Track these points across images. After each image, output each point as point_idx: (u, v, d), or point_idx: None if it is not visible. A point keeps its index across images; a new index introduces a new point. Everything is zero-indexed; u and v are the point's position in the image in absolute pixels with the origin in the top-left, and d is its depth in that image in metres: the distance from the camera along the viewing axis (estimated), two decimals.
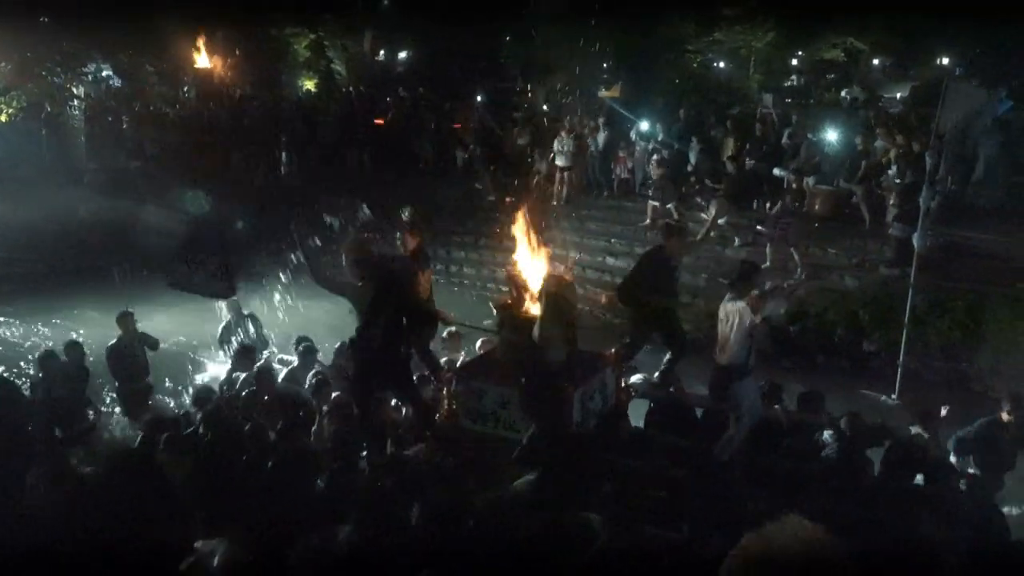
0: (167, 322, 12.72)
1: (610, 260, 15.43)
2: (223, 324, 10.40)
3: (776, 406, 7.29)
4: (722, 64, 28.17)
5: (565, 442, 6.00)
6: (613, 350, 7.81)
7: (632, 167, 17.17)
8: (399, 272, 6.75)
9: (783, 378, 8.18)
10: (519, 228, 7.33)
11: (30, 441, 6.52)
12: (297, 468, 5.85)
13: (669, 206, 15.29)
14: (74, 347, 9.08)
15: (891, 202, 12.77)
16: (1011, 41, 18.42)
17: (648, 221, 15.81)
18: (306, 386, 8.24)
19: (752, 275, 6.75)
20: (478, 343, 8.83)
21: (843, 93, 23.67)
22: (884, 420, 7.71)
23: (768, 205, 14.86)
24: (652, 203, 15.59)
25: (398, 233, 8.47)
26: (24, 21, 17.78)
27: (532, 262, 7.21)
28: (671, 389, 7.81)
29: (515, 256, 7.34)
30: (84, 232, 15.77)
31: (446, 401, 7.19)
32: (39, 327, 13.14)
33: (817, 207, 14.58)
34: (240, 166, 18.64)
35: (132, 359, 9.33)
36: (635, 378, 7.86)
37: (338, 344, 9.23)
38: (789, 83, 26.77)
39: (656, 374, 7.91)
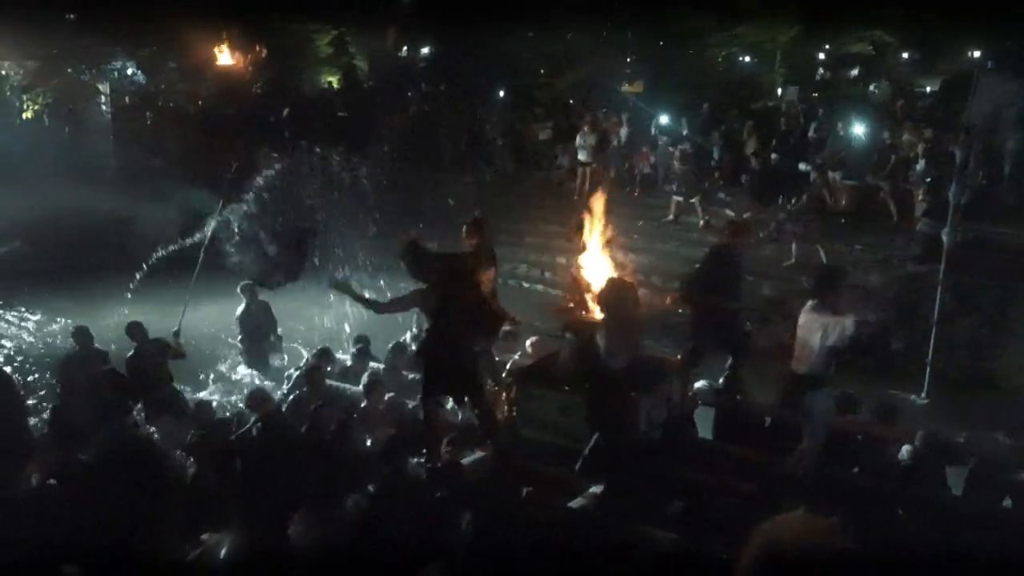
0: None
1: (632, 256, 15.24)
2: (241, 309, 10.38)
3: (850, 417, 6.89)
4: (746, 59, 27.89)
5: (631, 454, 5.82)
6: (678, 356, 7.50)
7: (654, 162, 16.99)
8: (460, 271, 6.47)
9: None
10: (582, 228, 7.03)
11: (27, 437, 6.49)
12: (348, 472, 5.72)
13: (692, 201, 15.14)
14: (81, 333, 8.90)
15: (919, 197, 12.50)
16: None
17: (671, 216, 15.68)
18: (360, 387, 8.07)
19: (836, 281, 6.31)
20: (528, 342, 8.59)
21: (871, 87, 23.31)
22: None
23: (793, 200, 14.66)
24: (675, 198, 15.45)
25: (464, 229, 7.98)
26: (49, 19, 17.97)
27: (596, 264, 6.92)
28: (737, 396, 7.46)
29: (579, 257, 7.05)
30: (105, 228, 15.89)
31: (504, 407, 6.94)
32: (57, 321, 13.24)
33: (843, 202, 14.33)
34: (261, 163, 18.66)
35: (152, 367, 9.05)
36: (698, 385, 7.52)
37: (392, 344, 9.12)
38: (815, 77, 26.44)
39: (720, 380, 7.57)
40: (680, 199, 15.29)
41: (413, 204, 17.93)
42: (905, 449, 6.41)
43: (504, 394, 7.03)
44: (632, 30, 25.78)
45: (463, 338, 6.30)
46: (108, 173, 17.89)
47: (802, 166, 14.96)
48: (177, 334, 9.55)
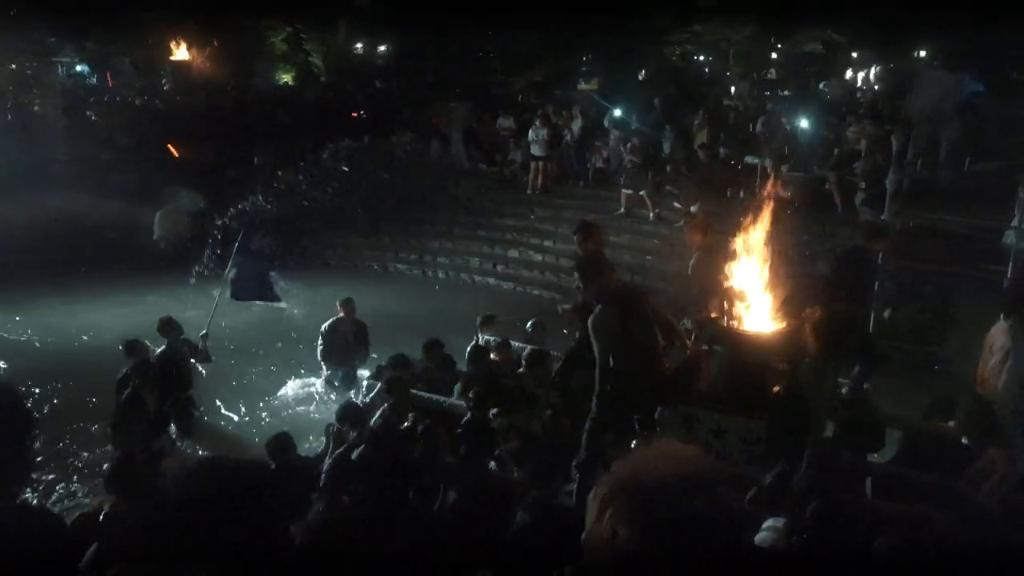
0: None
1: None
2: (327, 325, 9.92)
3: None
4: (702, 57, 28.23)
5: (820, 483, 5.28)
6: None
7: (607, 156, 17.10)
8: (633, 288, 5.99)
9: None
10: (741, 231, 6.47)
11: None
12: (488, 501, 5.14)
13: (641, 193, 15.26)
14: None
15: (861, 187, 12.75)
16: (986, 29, 18.45)
17: (622, 210, 15.76)
18: (455, 397, 7.69)
19: None
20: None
21: (821, 85, 23.73)
22: None
23: (741, 193, 14.85)
24: (625, 191, 15.55)
25: (576, 236, 7.39)
26: None
27: (754, 270, 6.30)
28: (864, 409, 6.87)
29: (730, 263, 6.43)
30: (49, 225, 15.57)
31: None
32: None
33: (789, 194, 14.54)
34: (213, 158, 18.49)
35: (177, 369, 8.81)
36: None
37: (470, 347, 8.76)
38: (768, 75, 26.83)
39: (844, 390, 7.13)
40: (629, 192, 15.42)
41: (371, 201, 17.92)
42: None
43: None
44: (591, 27, 25.89)
45: (650, 365, 5.76)
46: (54, 167, 17.54)
47: (749, 159, 15.20)
48: (205, 336, 9.33)
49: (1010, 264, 9.82)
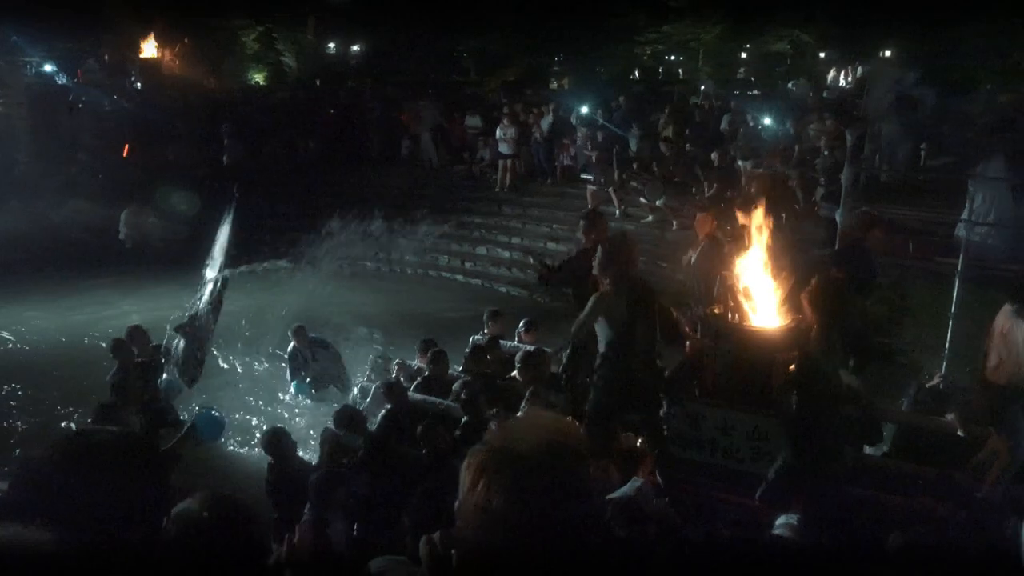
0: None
1: (552, 245, 15.47)
2: (290, 350, 9.78)
3: None
4: (673, 57, 28.53)
5: (826, 479, 5.18)
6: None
7: (575, 154, 17.23)
8: (645, 281, 5.78)
9: None
10: (739, 229, 6.45)
11: None
12: None
13: (608, 189, 15.41)
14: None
15: (821, 182, 12.97)
16: (948, 27, 18.80)
17: (590, 206, 15.88)
18: (452, 398, 7.50)
19: None
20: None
21: (789, 85, 24.02)
22: None
23: (705, 188, 15.02)
24: (590, 188, 15.68)
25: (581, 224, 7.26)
26: None
27: (756, 266, 6.18)
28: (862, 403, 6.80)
29: (733, 259, 6.35)
30: (13, 225, 15.46)
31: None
32: None
33: (753, 190, 14.71)
34: (180, 158, 18.45)
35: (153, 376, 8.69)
36: None
37: (470, 346, 8.69)
38: (737, 75, 27.14)
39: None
40: (595, 188, 15.56)
41: (340, 200, 17.91)
42: None
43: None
44: (565, 27, 26.07)
45: (653, 351, 5.70)
46: (20, 168, 17.41)
47: (715, 156, 15.36)
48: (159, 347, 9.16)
49: (961, 256, 10.05)
